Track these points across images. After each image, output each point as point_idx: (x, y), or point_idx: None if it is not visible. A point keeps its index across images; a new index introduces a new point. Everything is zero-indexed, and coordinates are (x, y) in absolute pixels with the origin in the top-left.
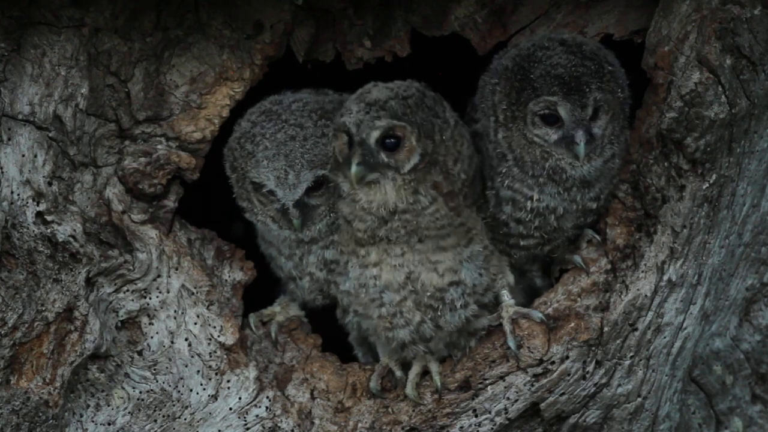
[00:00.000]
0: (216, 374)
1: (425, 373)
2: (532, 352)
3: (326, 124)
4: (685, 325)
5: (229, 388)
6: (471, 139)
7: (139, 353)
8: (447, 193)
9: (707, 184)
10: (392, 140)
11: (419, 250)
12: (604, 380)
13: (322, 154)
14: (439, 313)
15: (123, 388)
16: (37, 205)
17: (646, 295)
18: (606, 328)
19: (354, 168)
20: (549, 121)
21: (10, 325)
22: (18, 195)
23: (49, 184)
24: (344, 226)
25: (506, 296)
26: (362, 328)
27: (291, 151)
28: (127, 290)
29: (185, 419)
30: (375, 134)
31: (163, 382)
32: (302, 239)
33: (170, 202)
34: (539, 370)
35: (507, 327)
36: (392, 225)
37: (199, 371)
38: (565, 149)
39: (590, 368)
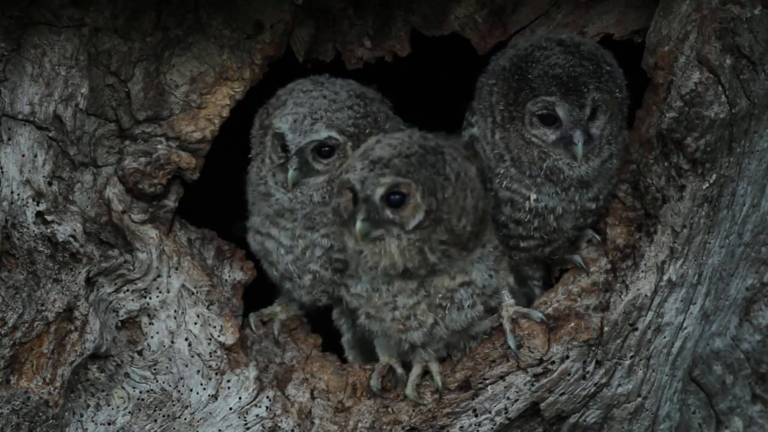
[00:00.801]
0: (216, 374)
1: (425, 373)
2: (532, 352)
3: (358, 102)
4: (685, 324)
5: (229, 387)
6: (477, 172)
7: (139, 353)
8: (456, 244)
9: (707, 184)
10: (397, 196)
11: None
12: (604, 380)
13: (343, 121)
14: (447, 312)
15: (123, 388)
16: (37, 205)
17: (646, 295)
18: (606, 328)
19: (359, 224)
20: (547, 121)
21: (10, 325)
22: (18, 195)
23: (49, 184)
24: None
25: (506, 296)
26: (372, 330)
27: (318, 105)
28: (127, 290)
29: (185, 419)
30: (380, 191)
31: (163, 382)
32: (300, 217)
33: (170, 202)
34: (539, 369)
35: (507, 327)
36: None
37: (199, 371)
38: (563, 149)
39: (590, 368)
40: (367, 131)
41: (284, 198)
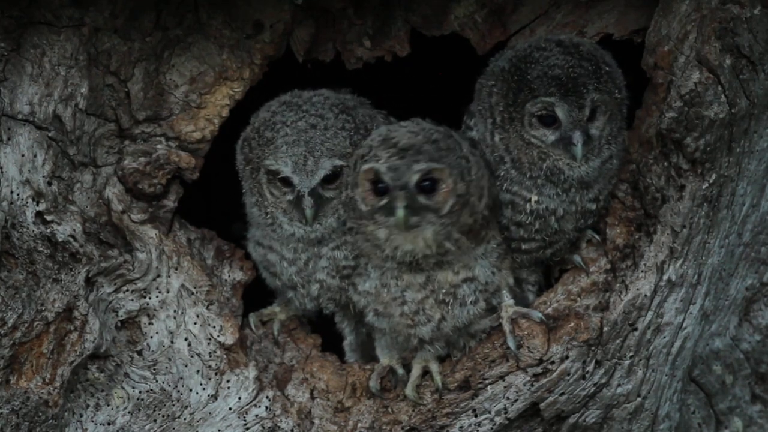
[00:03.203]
0: (216, 374)
1: (425, 373)
2: (531, 352)
3: (346, 118)
4: (684, 324)
5: (228, 387)
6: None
7: (139, 353)
8: (468, 232)
9: (707, 184)
10: (428, 182)
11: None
12: (603, 380)
13: (342, 146)
14: (450, 307)
15: (123, 388)
16: (37, 205)
17: (645, 295)
18: (606, 328)
19: (401, 212)
20: (546, 122)
21: (9, 325)
22: (18, 195)
23: (49, 183)
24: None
25: (506, 296)
26: (380, 328)
27: (311, 138)
28: (127, 290)
29: (185, 419)
30: (415, 178)
31: (163, 382)
32: (311, 239)
33: (170, 202)
34: (539, 369)
35: (506, 327)
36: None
37: (198, 371)
38: (563, 150)
39: (590, 368)
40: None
41: (300, 231)
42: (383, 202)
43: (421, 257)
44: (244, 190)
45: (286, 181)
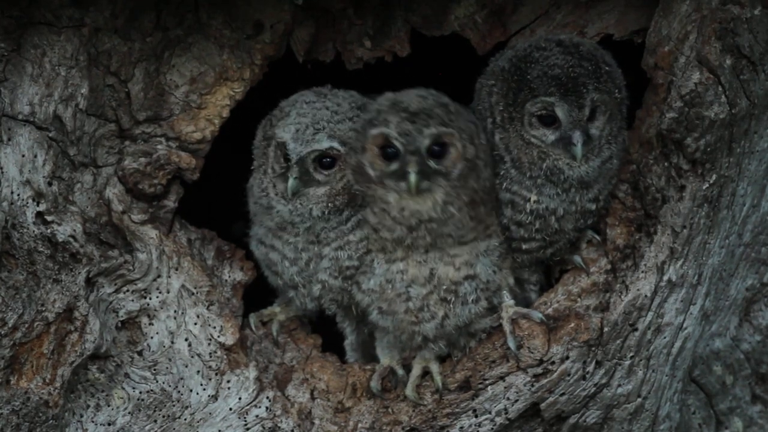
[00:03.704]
0: (216, 374)
1: (425, 373)
2: (532, 353)
3: (359, 114)
4: (685, 325)
5: (229, 388)
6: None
7: (139, 353)
8: (470, 203)
9: (707, 184)
10: (438, 147)
11: (441, 247)
12: (604, 380)
13: (344, 132)
14: (452, 306)
15: (123, 389)
16: (37, 206)
17: (646, 296)
18: (606, 329)
19: (413, 177)
20: (546, 122)
21: (10, 325)
22: (18, 195)
23: (49, 184)
24: (371, 233)
25: (506, 296)
26: (383, 326)
27: (321, 116)
28: (127, 290)
29: (185, 419)
30: (426, 142)
31: (163, 383)
32: (307, 231)
33: (170, 202)
34: (539, 370)
35: (507, 327)
36: (418, 233)
37: (199, 371)
38: (563, 150)
39: (590, 368)
40: None
41: (285, 210)
42: (393, 166)
43: (425, 224)
44: (252, 168)
45: (286, 155)
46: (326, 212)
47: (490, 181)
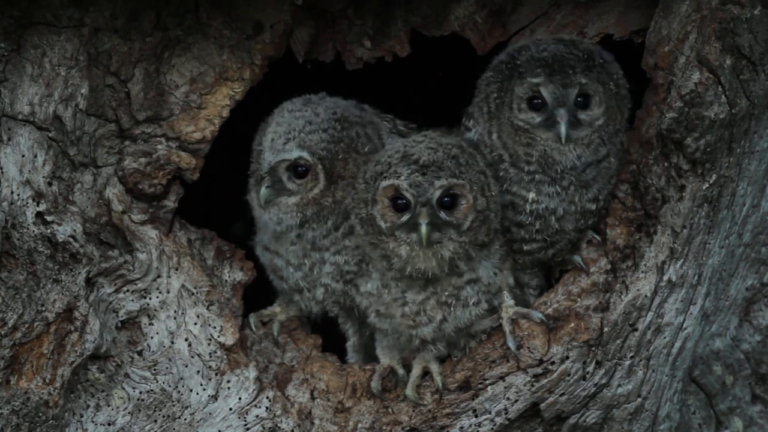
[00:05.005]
0: (216, 374)
1: (425, 374)
2: (532, 353)
3: (335, 126)
4: (685, 325)
5: (229, 388)
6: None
7: (139, 353)
8: (481, 247)
9: (707, 185)
10: (448, 198)
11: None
12: (604, 380)
13: (317, 147)
14: (452, 309)
15: (123, 389)
16: (37, 206)
17: (646, 296)
18: (606, 329)
19: (425, 228)
20: (535, 106)
21: (10, 326)
22: (18, 195)
23: (49, 184)
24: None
25: (506, 297)
26: (382, 328)
27: (295, 125)
28: (127, 290)
29: (185, 419)
30: (437, 194)
31: (163, 383)
32: (305, 242)
33: (170, 202)
34: (539, 370)
35: (507, 327)
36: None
37: (199, 371)
38: (548, 131)
39: (590, 368)
40: (340, 156)
41: (265, 218)
42: (405, 218)
43: (436, 273)
44: (249, 173)
45: (260, 158)
46: (298, 222)
47: (498, 221)
